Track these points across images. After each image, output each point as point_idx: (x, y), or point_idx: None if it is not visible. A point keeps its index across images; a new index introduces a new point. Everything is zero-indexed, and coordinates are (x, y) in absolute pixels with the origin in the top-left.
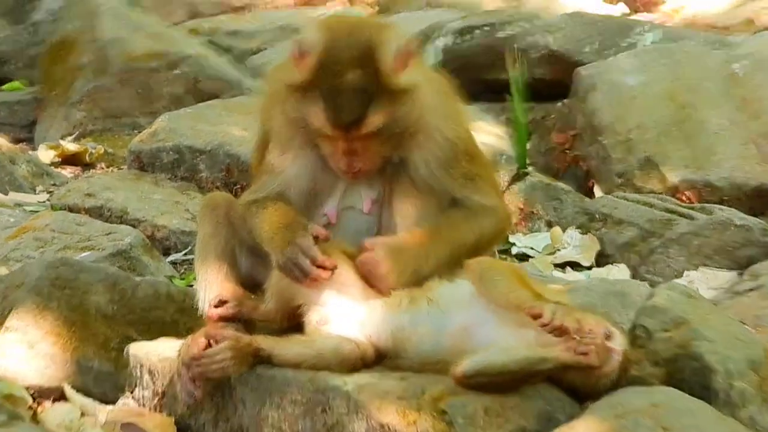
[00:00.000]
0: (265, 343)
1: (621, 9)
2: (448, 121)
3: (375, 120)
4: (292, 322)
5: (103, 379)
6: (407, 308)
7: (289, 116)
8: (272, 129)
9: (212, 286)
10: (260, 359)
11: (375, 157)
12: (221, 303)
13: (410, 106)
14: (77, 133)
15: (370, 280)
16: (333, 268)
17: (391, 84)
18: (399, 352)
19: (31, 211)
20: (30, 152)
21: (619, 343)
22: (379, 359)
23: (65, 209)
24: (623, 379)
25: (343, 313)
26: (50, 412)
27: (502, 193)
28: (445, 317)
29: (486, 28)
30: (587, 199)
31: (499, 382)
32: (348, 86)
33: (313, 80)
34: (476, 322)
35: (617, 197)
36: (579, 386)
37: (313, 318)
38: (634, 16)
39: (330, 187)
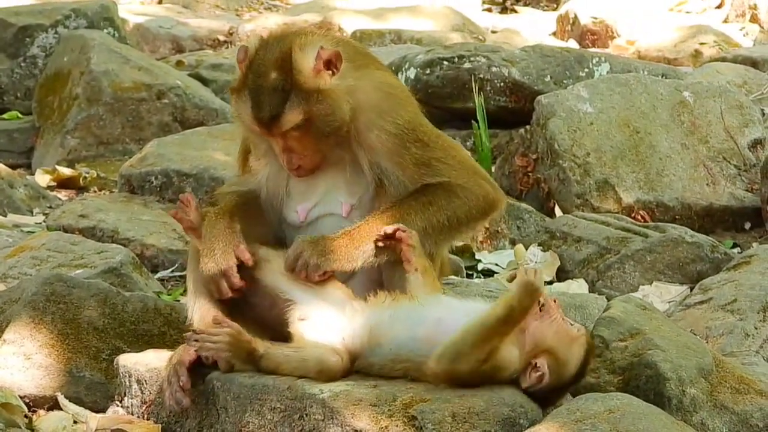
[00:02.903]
0: (260, 345)
1: (571, 45)
2: (385, 115)
3: (291, 118)
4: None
5: (94, 388)
6: (389, 305)
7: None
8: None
9: (201, 299)
10: (252, 359)
11: (314, 155)
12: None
13: (333, 106)
14: (71, 158)
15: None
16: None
17: (307, 84)
18: (374, 348)
19: (28, 231)
20: (27, 177)
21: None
22: (353, 361)
23: (60, 230)
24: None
25: (325, 311)
26: (44, 420)
27: (474, 170)
28: (423, 311)
29: (451, 61)
30: (548, 219)
31: (467, 371)
32: (267, 86)
33: (245, 81)
34: (449, 315)
35: (576, 216)
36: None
37: (296, 315)
38: (590, 49)
39: (305, 189)
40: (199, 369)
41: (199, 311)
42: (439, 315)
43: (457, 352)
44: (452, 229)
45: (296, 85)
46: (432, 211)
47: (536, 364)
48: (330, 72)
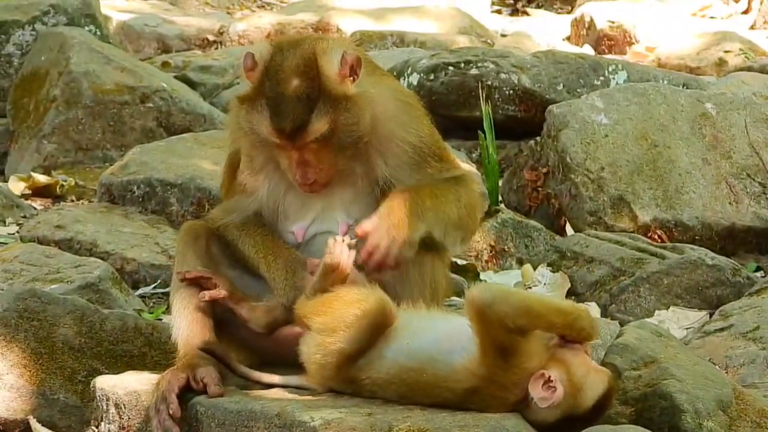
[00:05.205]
0: None
1: (586, 51)
2: (407, 127)
3: (318, 127)
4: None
5: (69, 412)
6: (411, 309)
7: (243, 129)
8: (241, 149)
9: (187, 319)
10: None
11: (330, 169)
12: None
13: (358, 114)
14: (48, 165)
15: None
16: None
17: (335, 91)
18: (390, 343)
19: (0, 242)
20: (0, 184)
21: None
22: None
23: (35, 241)
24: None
25: None
26: None
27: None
28: (448, 314)
29: (457, 66)
30: (558, 237)
31: (497, 318)
32: (290, 93)
33: (260, 90)
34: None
35: (588, 235)
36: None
37: None
38: (606, 56)
39: (301, 207)
40: (184, 394)
41: (185, 332)
42: (465, 320)
43: (504, 297)
44: (472, 220)
45: (324, 92)
46: (463, 201)
47: (549, 376)
48: (351, 78)
